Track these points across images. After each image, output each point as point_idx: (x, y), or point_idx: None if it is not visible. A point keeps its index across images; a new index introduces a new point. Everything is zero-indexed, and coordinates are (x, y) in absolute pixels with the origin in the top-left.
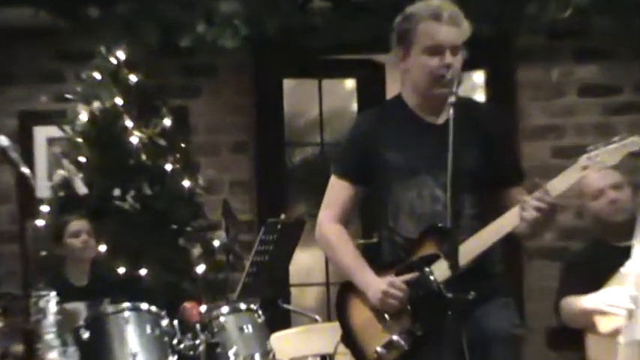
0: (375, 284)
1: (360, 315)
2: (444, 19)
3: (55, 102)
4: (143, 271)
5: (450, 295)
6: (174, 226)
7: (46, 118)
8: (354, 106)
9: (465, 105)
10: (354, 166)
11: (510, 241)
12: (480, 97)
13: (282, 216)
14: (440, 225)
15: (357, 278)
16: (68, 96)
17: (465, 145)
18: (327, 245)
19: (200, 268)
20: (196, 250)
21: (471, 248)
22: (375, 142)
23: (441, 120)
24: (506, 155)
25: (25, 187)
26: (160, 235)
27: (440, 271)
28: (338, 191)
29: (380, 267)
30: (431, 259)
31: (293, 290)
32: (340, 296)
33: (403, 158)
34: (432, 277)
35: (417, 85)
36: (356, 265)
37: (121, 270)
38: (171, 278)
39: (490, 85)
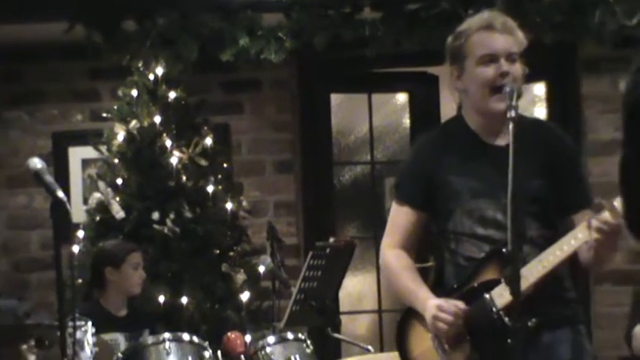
0: (430, 307)
1: (421, 344)
2: (496, 28)
3: (91, 121)
4: (184, 300)
5: (508, 322)
6: (217, 251)
7: (81, 139)
8: (407, 122)
9: (530, 125)
10: (416, 193)
11: (576, 265)
12: (541, 110)
13: (331, 239)
14: (502, 249)
15: (415, 302)
16: (104, 115)
17: (529, 168)
18: (388, 272)
19: (244, 296)
20: (240, 277)
21: (532, 271)
22: (437, 166)
23: (503, 141)
24: (573, 181)
25: (60, 211)
26: (201, 260)
27: (500, 297)
28: (399, 218)
29: (444, 292)
30: (492, 285)
31: (343, 318)
32: (401, 324)
33: (464, 182)
34: (491, 304)
35: (476, 102)
36: (414, 288)
37: (161, 298)
38: (214, 307)
39: (552, 97)
